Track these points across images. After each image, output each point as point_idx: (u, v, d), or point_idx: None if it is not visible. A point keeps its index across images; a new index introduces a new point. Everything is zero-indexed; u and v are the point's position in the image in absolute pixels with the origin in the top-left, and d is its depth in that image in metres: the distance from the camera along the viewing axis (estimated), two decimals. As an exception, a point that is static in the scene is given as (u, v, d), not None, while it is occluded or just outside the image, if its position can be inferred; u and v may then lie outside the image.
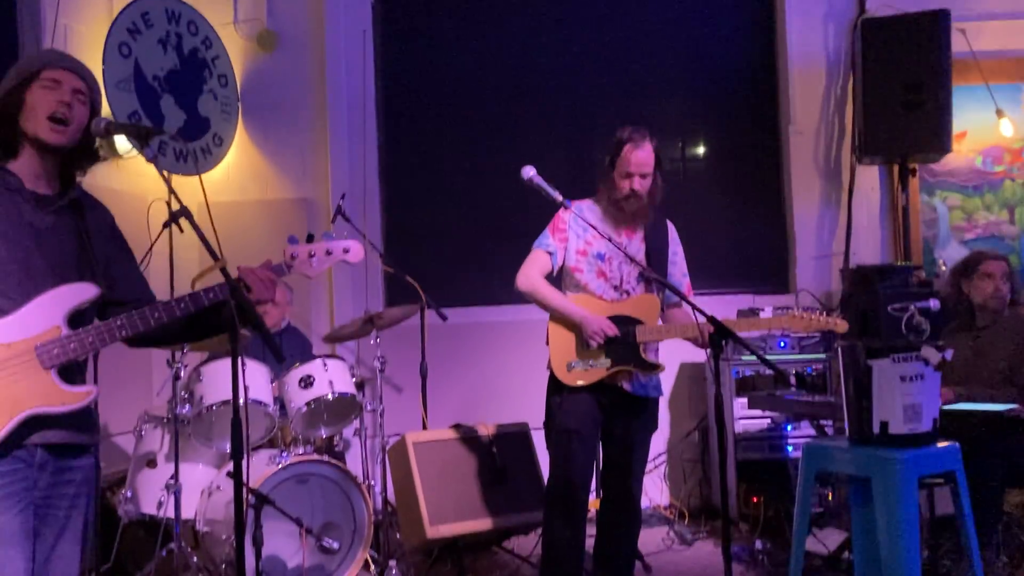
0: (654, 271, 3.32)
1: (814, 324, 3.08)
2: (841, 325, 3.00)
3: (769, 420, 4.72)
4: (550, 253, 3.42)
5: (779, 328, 3.20)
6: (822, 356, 4.81)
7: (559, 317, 3.34)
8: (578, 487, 3.29)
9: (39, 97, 2.10)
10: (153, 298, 2.28)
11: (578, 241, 3.41)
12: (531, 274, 3.40)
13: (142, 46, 5.11)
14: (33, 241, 2.09)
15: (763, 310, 4.85)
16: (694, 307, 2.96)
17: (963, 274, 4.09)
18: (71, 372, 2.09)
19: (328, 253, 2.39)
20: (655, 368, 3.32)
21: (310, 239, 2.40)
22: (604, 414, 3.32)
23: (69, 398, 2.05)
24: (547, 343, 3.37)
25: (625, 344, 3.27)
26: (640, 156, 3.29)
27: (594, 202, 3.46)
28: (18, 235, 2.07)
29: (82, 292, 2.10)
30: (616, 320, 3.28)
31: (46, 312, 2.04)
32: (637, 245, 3.41)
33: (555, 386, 3.35)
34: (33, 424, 2.02)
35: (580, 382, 3.28)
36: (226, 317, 2.18)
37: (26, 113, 2.10)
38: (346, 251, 2.43)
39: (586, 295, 3.37)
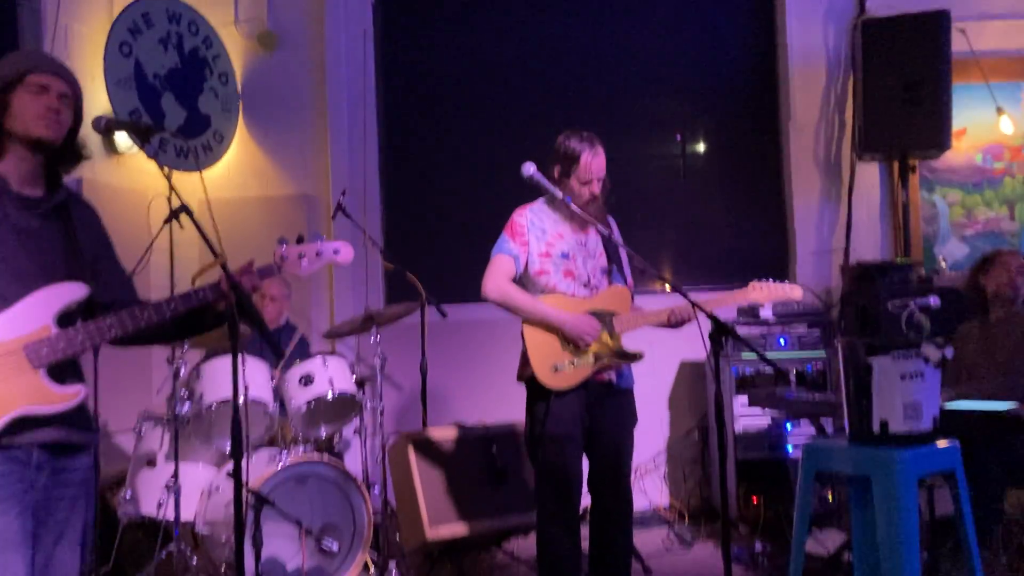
0: (614, 263, 3.42)
1: (773, 293, 3.40)
2: (796, 291, 3.40)
3: (769, 419, 4.71)
4: (513, 257, 3.35)
5: (739, 302, 3.31)
6: (822, 354, 4.81)
7: (535, 321, 3.29)
8: (574, 493, 3.28)
9: (27, 102, 2.09)
10: (136, 299, 2.27)
11: (539, 244, 3.36)
12: (499, 282, 3.32)
13: (143, 45, 5.14)
14: (20, 243, 2.08)
15: (763, 307, 4.86)
16: (694, 303, 2.98)
17: (980, 268, 4.13)
18: (62, 372, 2.07)
19: (318, 254, 2.40)
20: (636, 357, 3.33)
21: (300, 240, 2.40)
22: (589, 415, 3.30)
23: (58, 398, 2.04)
24: (523, 350, 3.30)
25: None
26: (599, 163, 3.35)
27: (546, 204, 3.43)
28: (4, 237, 2.06)
29: (72, 292, 2.10)
30: (592, 315, 3.29)
31: (35, 312, 2.04)
32: (595, 241, 3.42)
33: (539, 393, 3.29)
34: (26, 424, 2.01)
35: (567, 384, 3.24)
36: (225, 314, 2.18)
37: (13, 116, 2.08)
38: (336, 252, 2.43)
39: (557, 295, 3.34)
